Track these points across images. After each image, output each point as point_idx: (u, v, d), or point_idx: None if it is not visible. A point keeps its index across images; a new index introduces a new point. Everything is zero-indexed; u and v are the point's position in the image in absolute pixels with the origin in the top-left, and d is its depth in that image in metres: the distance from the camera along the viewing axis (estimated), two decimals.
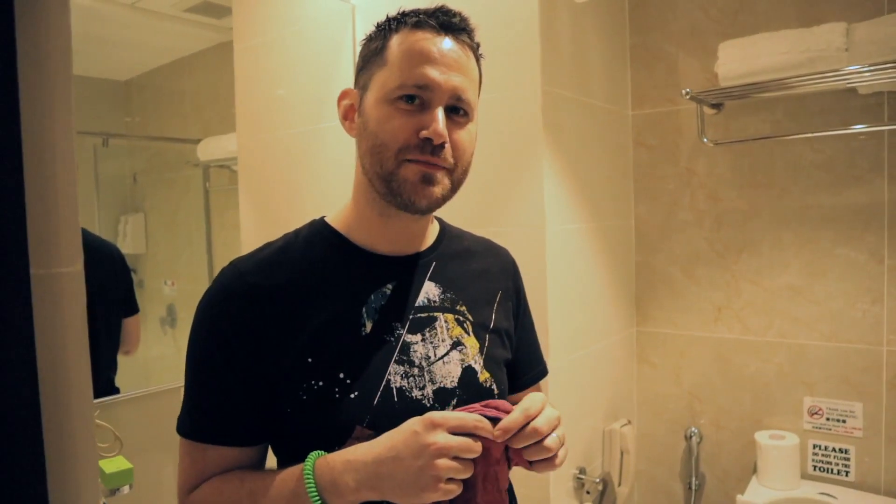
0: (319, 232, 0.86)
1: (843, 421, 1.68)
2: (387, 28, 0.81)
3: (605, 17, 1.86)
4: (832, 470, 1.70)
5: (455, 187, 0.82)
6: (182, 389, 0.81)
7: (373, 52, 0.81)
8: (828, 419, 1.70)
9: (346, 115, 0.85)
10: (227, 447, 0.78)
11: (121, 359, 1.54)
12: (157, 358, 1.68)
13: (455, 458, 0.68)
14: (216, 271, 0.81)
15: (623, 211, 1.97)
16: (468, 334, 0.87)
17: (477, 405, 0.74)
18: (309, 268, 0.82)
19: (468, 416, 0.70)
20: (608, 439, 1.83)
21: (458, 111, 0.79)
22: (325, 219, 0.88)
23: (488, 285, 0.94)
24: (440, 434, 0.68)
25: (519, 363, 0.97)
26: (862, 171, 1.62)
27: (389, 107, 0.77)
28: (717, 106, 1.79)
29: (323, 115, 1.91)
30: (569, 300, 1.65)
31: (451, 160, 0.79)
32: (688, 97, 1.64)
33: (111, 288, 1.60)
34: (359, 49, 0.87)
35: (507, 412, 0.72)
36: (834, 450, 1.70)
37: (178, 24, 1.83)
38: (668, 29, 1.90)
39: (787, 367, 1.76)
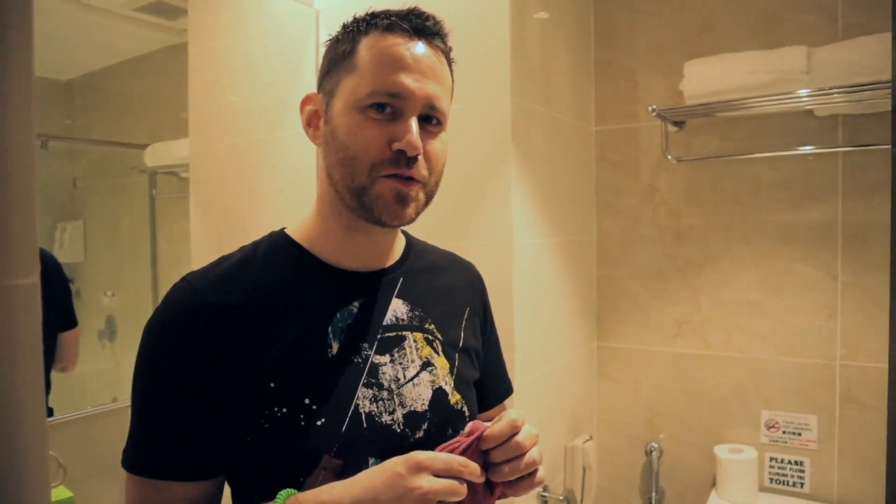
0: (281, 246, 0.80)
1: (799, 434, 1.72)
2: (355, 30, 0.76)
3: (571, 31, 1.86)
4: (788, 482, 1.74)
5: (428, 200, 0.78)
6: (125, 411, 0.74)
7: (340, 55, 0.76)
8: (784, 432, 1.74)
9: (310, 122, 0.79)
10: (182, 482, 0.70)
11: (55, 376, 1.43)
12: (95, 374, 1.58)
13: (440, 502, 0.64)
14: (161, 283, 0.75)
15: (585, 226, 1.97)
16: (438, 354, 0.83)
17: (461, 437, 0.70)
18: (270, 285, 0.76)
19: (454, 459, 0.66)
20: (570, 456, 1.82)
21: (431, 120, 0.75)
22: (286, 231, 0.83)
23: (456, 301, 0.90)
24: (425, 478, 0.63)
25: (485, 382, 0.94)
26: (817, 191, 1.67)
27: (359, 115, 0.72)
28: (679, 124, 1.82)
29: (283, 123, 1.84)
30: (534, 316, 1.63)
31: (425, 172, 0.74)
32: (654, 114, 1.66)
33: (46, 299, 1.48)
34: (322, 53, 0.81)
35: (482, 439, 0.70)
36: (790, 462, 1.73)
37: (126, 24, 1.73)
38: (632, 46, 1.92)
39: (745, 382, 1.79)
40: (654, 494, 1.90)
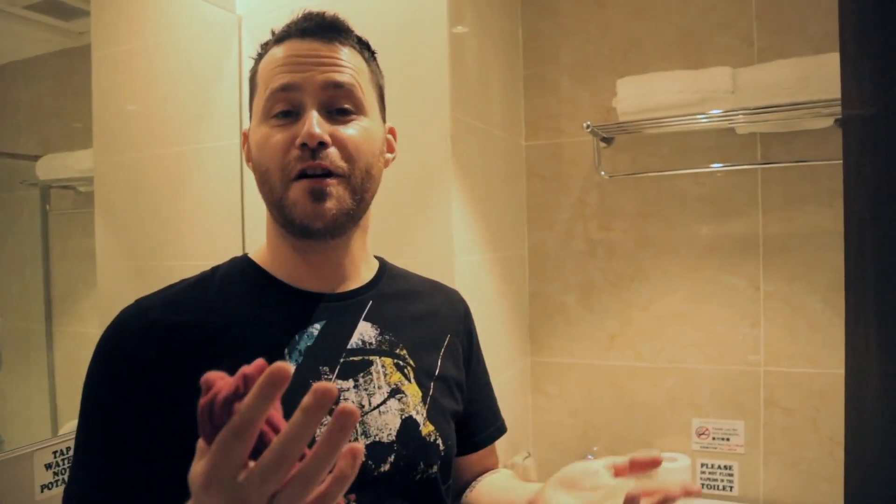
0: (239, 267, 0.79)
1: (727, 439, 1.78)
2: (260, 55, 0.78)
3: (502, 47, 1.86)
4: (718, 486, 1.80)
5: (357, 194, 0.73)
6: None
7: (250, 82, 0.79)
8: (714, 438, 1.80)
9: (248, 157, 0.79)
10: None
11: None
12: None
13: None
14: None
15: (517, 241, 1.97)
16: (409, 381, 0.78)
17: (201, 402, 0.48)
18: (223, 306, 0.73)
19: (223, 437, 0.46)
20: None
21: (341, 109, 0.73)
22: (249, 255, 0.81)
23: (434, 328, 0.86)
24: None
25: (474, 419, 0.89)
26: (740, 205, 1.75)
27: (265, 127, 0.72)
28: (607, 140, 1.86)
29: (202, 135, 1.72)
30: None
31: (341, 163, 0.71)
32: (588, 130, 1.68)
33: None
34: (246, 63, 0.82)
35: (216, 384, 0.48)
36: (719, 467, 1.79)
37: (14, 24, 1.56)
38: (560, 62, 1.95)
39: (676, 391, 1.84)
40: None
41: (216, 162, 1.72)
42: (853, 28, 0.83)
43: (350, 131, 0.73)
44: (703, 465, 1.81)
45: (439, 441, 0.78)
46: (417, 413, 0.77)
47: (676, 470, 1.74)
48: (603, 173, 1.84)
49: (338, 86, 0.72)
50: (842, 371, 1.67)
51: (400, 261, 1.50)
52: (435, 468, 0.77)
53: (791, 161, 1.67)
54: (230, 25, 1.70)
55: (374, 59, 0.81)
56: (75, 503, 0.66)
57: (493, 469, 0.96)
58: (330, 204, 0.70)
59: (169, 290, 0.75)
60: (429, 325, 0.86)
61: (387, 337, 0.79)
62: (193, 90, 1.72)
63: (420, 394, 0.78)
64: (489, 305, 1.71)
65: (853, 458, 0.86)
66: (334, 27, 0.75)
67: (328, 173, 0.70)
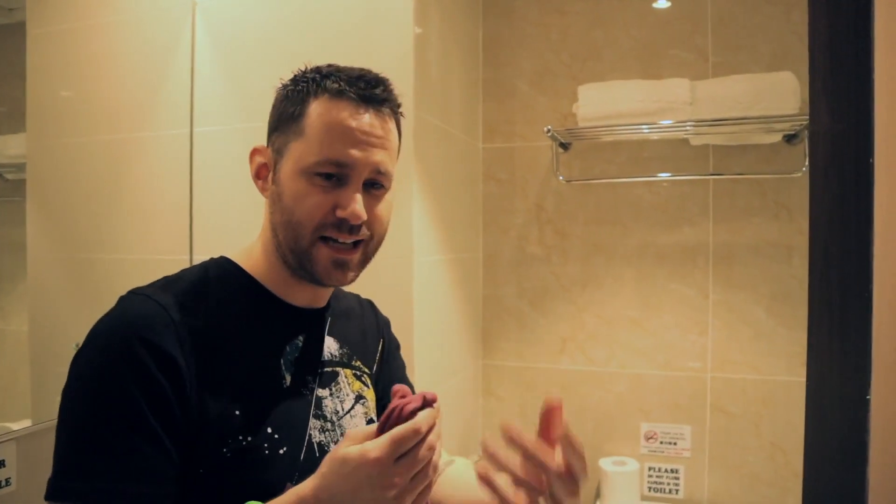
0: (232, 274, 0.81)
1: (674, 443, 1.82)
2: (304, 91, 0.78)
3: (463, 48, 1.85)
4: (665, 489, 1.83)
5: (370, 256, 0.82)
6: None
7: (289, 116, 0.78)
8: (661, 442, 1.83)
9: (259, 174, 0.81)
10: None
11: None
12: None
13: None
14: None
15: (472, 244, 1.96)
16: (368, 387, 0.89)
17: (394, 403, 0.66)
18: (226, 312, 0.76)
19: (403, 434, 0.62)
20: None
21: (376, 184, 0.78)
22: (234, 261, 0.83)
23: (371, 340, 0.97)
24: (385, 470, 0.62)
25: None
26: (691, 214, 1.80)
27: (306, 182, 0.75)
28: (565, 146, 1.87)
29: (148, 123, 1.63)
30: (431, 335, 1.58)
31: (367, 232, 0.78)
32: (549, 134, 1.69)
33: None
34: (200, 51, 0.78)
35: (407, 395, 0.67)
36: (666, 470, 1.83)
37: None
38: (519, 67, 1.95)
39: (626, 396, 1.86)
40: None
41: (163, 152, 1.63)
42: (824, 42, 0.85)
43: (381, 207, 0.79)
44: (650, 468, 1.84)
45: None
46: (376, 415, 0.88)
47: (627, 473, 1.77)
48: (561, 178, 1.85)
49: (381, 171, 0.77)
50: (784, 378, 1.74)
51: None
52: None
53: (741, 174, 1.73)
54: (184, 10, 1.62)
55: (401, 120, 0.85)
56: (69, 493, 0.63)
57: None
58: (351, 274, 0.79)
59: (171, 287, 0.74)
60: (368, 337, 0.96)
61: (345, 350, 0.88)
62: (139, 75, 1.63)
63: (375, 398, 0.90)
64: (444, 307, 1.69)
65: (813, 466, 0.88)
66: (388, 100, 0.79)
67: (355, 243, 0.77)
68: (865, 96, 0.71)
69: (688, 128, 1.61)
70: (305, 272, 0.77)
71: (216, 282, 0.79)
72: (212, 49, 1.61)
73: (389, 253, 1.47)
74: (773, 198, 1.74)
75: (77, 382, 0.67)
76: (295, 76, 0.81)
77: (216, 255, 0.85)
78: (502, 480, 0.67)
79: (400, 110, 0.83)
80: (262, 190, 0.81)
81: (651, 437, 1.84)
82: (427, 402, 0.65)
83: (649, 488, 1.84)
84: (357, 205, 0.74)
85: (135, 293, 0.73)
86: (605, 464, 1.81)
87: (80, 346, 0.70)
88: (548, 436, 0.70)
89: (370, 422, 0.86)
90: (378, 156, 0.76)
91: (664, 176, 1.80)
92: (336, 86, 0.76)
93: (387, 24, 1.47)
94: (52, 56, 1.57)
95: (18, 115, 1.53)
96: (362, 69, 0.80)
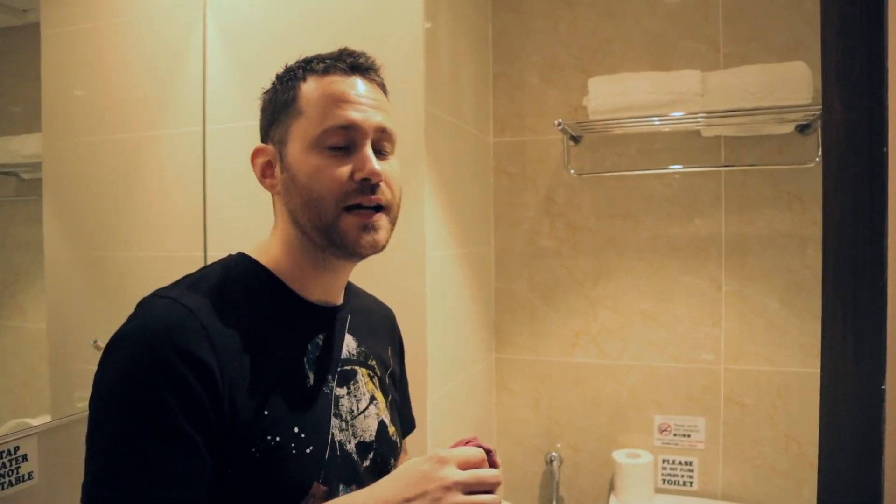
0: (253, 272, 0.81)
1: (688, 435, 1.82)
2: (293, 77, 0.80)
3: (472, 43, 1.85)
4: (679, 482, 1.83)
5: (393, 224, 0.83)
6: None
7: (283, 104, 0.80)
8: (675, 435, 1.83)
9: (264, 173, 0.82)
10: None
11: None
12: None
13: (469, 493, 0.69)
14: None
15: (484, 237, 1.96)
16: (378, 389, 0.89)
17: (463, 440, 0.77)
18: (251, 311, 0.76)
19: (474, 450, 0.72)
20: None
21: (382, 147, 0.80)
22: (253, 258, 0.82)
23: (384, 341, 0.98)
24: (449, 469, 0.68)
25: (402, 417, 1.02)
26: (703, 206, 1.79)
27: (317, 156, 0.76)
28: (575, 139, 1.87)
29: (162, 121, 1.65)
30: (444, 329, 1.59)
31: (389, 196, 0.79)
32: (559, 128, 1.69)
33: None
34: (212, 48, 0.79)
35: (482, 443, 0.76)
36: (680, 463, 1.83)
37: None
38: (529, 61, 1.95)
39: (639, 388, 1.86)
40: (554, 503, 1.92)
41: (177, 150, 1.65)
42: (836, 30, 0.84)
43: (391, 169, 0.80)
44: (664, 460, 1.84)
45: (398, 440, 0.92)
46: (385, 417, 0.88)
47: (641, 466, 1.77)
48: (572, 171, 1.85)
49: (384, 130, 0.79)
50: (798, 369, 1.73)
51: (372, 255, 1.48)
52: (395, 462, 0.91)
53: (753, 165, 1.72)
54: (195, 8, 1.63)
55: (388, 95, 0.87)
56: (111, 501, 0.63)
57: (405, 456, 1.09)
58: (380, 236, 0.78)
59: (195, 288, 0.74)
60: (381, 338, 0.96)
61: (362, 349, 0.88)
62: (152, 74, 1.65)
63: (385, 400, 0.90)
64: (456, 301, 1.70)
65: (828, 457, 0.88)
66: (373, 67, 0.82)
67: (378, 207, 0.78)
68: (879, 85, 0.70)
69: (699, 119, 1.61)
70: (336, 247, 0.77)
71: (238, 281, 0.78)
72: (223, 47, 1.62)
73: (402, 248, 1.48)
74: (786, 188, 1.73)
75: (108, 389, 0.66)
76: (278, 75, 0.83)
77: (231, 252, 0.85)
78: None
79: (385, 84, 0.85)
80: (272, 188, 0.82)
81: (665, 430, 1.84)
82: (486, 451, 0.74)
83: (663, 480, 1.84)
84: (371, 162, 0.76)
85: (159, 296, 0.72)
86: (619, 456, 1.81)
87: (99, 343, 0.71)
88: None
89: (381, 422, 0.86)
90: (378, 116, 0.79)
91: (676, 168, 1.79)
92: (322, 65, 0.79)
93: (396, 19, 1.47)
94: (65, 56, 1.59)
95: (34, 116, 1.55)
96: (343, 47, 0.82)
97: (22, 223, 1.55)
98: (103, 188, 1.62)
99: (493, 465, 0.74)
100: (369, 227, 0.77)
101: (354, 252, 0.78)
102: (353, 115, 0.76)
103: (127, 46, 1.63)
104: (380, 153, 0.79)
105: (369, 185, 0.76)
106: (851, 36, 0.78)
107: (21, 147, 1.54)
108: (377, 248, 0.79)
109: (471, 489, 0.67)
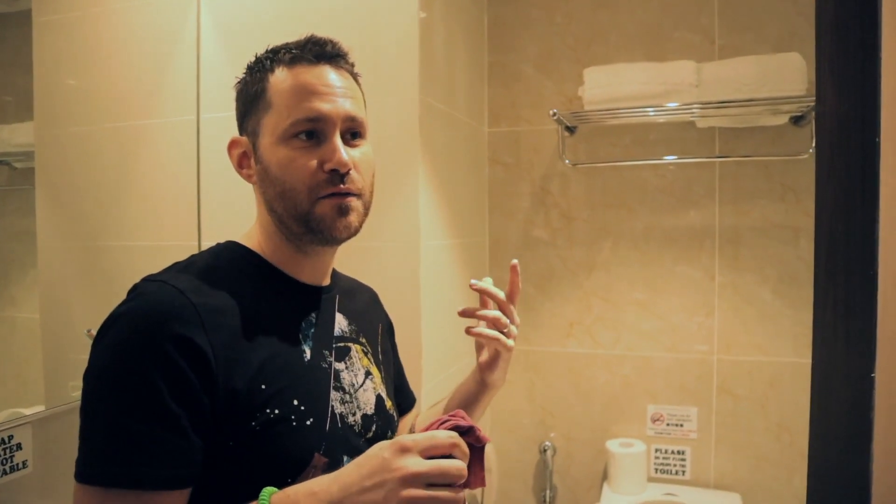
0: (242, 255, 0.83)
1: (681, 425, 1.83)
2: (261, 68, 0.81)
3: (468, 32, 1.84)
4: (671, 471, 1.85)
5: (367, 208, 0.84)
6: None
7: (253, 96, 0.81)
8: (668, 424, 1.84)
9: (241, 164, 0.84)
10: (168, 492, 0.66)
11: None
12: None
13: (433, 485, 0.63)
14: None
15: (478, 227, 1.96)
16: (373, 364, 0.92)
17: (438, 420, 0.71)
18: (242, 291, 0.78)
19: (441, 435, 0.65)
20: None
21: (352, 135, 0.81)
22: (241, 243, 0.85)
23: (373, 320, 1.00)
24: (410, 458, 0.63)
25: (399, 393, 1.05)
26: (698, 197, 1.80)
27: (287, 147, 0.78)
28: (570, 129, 1.87)
29: (156, 109, 1.64)
30: (438, 320, 1.59)
31: (360, 184, 0.80)
32: (554, 118, 1.69)
33: None
34: (206, 37, 0.80)
35: (465, 418, 0.70)
36: (673, 452, 1.84)
37: None
38: (524, 51, 1.94)
39: (632, 378, 1.88)
40: (547, 492, 1.93)
41: (170, 139, 1.64)
42: (830, 22, 0.84)
43: (361, 156, 0.81)
44: (657, 450, 1.86)
45: (394, 413, 0.94)
46: (382, 391, 0.91)
47: (634, 455, 1.78)
48: (567, 161, 1.85)
49: (353, 118, 0.80)
50: (790, 359, 1.74)
51: (366, 245, 1.48)
52: (392, 434, 0.92)
53: (748, 156, 1.72)
54: None
55: (359, 79, 0.88)
56: (103, 476, 0.65)
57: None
58: (352, 218, 0.79)
59: (185, 272, 0.76)
60: (369, 316, 0.98)
61: (353, 327, 0.90)
62: (145, 62, 1.64)
63: (380, 375, 0.93)
64: (450, 291, 1.70)
65: (818, 446, 0.89)
66: (339, 55, 0.82)
67: (350, 193, 0.79)
68: (872, 77, 0.70)
69: (694, 110, 1.61)
70: (313, 233, 0.79)
71: (228, 263, 0.81)
72: (217, 35, 1.61)
73: (396, 238, 1.48)
74: (779, 180, 1.73)
75: (99, 371, 0.68)
76: (249, 65, 0.84)
77: (225, 241, 0.86)
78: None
79: (355, 70, 0.85)
80: (248, 178, 0.83)
81: (658, 419, 1.85)
82: (466, 430, 0.68)
83: (656, 469, 1.86)
84: (340, 153, 0.77)
85: (150, 280, 0.74)
86: (613, 445, 1.82)
87: (92, 333, 0.71)
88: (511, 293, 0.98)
89: (378, 396, 0.88)
90: (346, 104, 0.79)
91: (670, 159, 1.79)
92: (288, 55, 0.80)
93: (392, 8, 1.46)
94: (58, 44, 1.58)
95: (26, 104, 1.53)
96: (310, 34, 0.82)
97: (14, 213, 1.54)
98: (97, 177, 1.61)
99: (477, 441, 0.69)
100: (343, 209, 0.78)
101: (331, 237, 0.79)
102: (320, 105, 0.77)
103: (120, 35, 1.62)
104: (350, 140, 0.80)
105: (338, 175, 0.77)
106: (845, 28, 0.78)
107: (13, 136, 1.53)
108: (351, 231, 0.80)
109: (431, 481, 0.62)
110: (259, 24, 1.57)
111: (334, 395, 0.80)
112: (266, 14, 1.57)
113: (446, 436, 0.65)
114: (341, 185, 0.77)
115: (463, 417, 0.70)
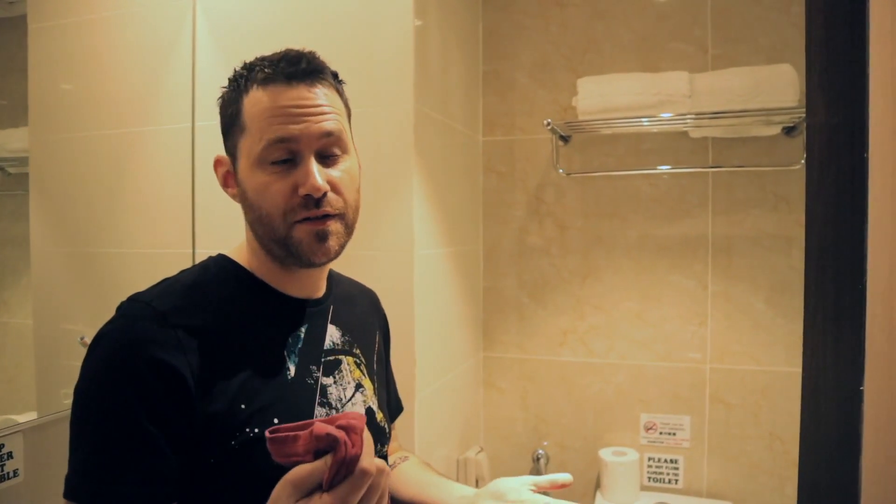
0: (230, 270, 0.84)
1: (674, 434, 1.83)
2: (237, 89, 0.81)
3: (462, 41, 1.85)
4: (664, 479, 1.85)
5: (349, 227, 0.82)
6: None
7: (230, 117, 0.81)
8: (661, 433, 1.85)
9: (226, 183, 0.84)
10: None
11: None
12: None
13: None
14: None
15: (472, 236, 1.97)
16: (365, 376, 0.91)
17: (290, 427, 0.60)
18: (227, 309, 0.79)
19: (302, 472, 0.58)
20: (463, 468, 1.79)
21: (330, 153, 0.79)
22: (231, 258, 0.85)
23: (370, 328, 0.99)
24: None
25: (388, 402, 1.04)
26: (691, 206, 1.81)
27: (261, 173, 0.77)
28: (564, 138, 1.88)
29: (151, 116, 1.64)
30: (431, 328, 1.60)
31: (339, 204, 0.79)
32: (549, 127, 1.69)
33: None
34: (201, 44, 0.82)
35: (357, 419, 0.60)
36: (665, 461, 1.85)
37: None
38: (519, 60, 1.95)
39: (626, 387, 1.88)
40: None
41: (165, 146, 1.64)
42: (819, 36, 0.85)
43: (341, 174, 0.79)
44: (650, 458, 1.86)
45: (386, 425, 0.94)
46: (373, 403, 0.91)
47: (627, 464, 1.78)
48: (561, 171, 1.86)
49: (329, 134, 0.78)
50: (782, 368, 1.75)
51: (360, 253, 1.48)
52: (385, 448, 0.93)
53: (740, 166, 1.73)
54: (184, 3, 1.62)
55: (342, 87, 0.86)
56: (89, 495, 0.67)
57: (394, 442, 1.09)
58: (332, 242, 0.79)
59: (171, 290, 0.77)
60: (366, 325, 0.98)
61: (346, 338, 0.90)
62: (141, 69, 1.64)
63: (372, 387, 0.92)
64: (444, 300, 1.71)
65: (808, 456, 0.89)
66: (315, 70, 0.80)
67: (328, 216, 0.78)
68: (861, 90, 0.71)
69: (687, 120, 1.62)
70: (293, 257, 0.79)
71: (215, 280, 0.81)
72: (212, 42, 1.62)
73: (390, 246, 1.49)
74: (772, 190, 1.75)
75: (83, 390, 0.70)
76: (229, 78, 0.83)
77: (219, 249, 0.87)
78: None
79: (338, 78, 0.84)
80: (233, 197, 0.83)
81: (651, 428, 1.86)
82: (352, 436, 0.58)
83: (649, 478, 1.86)
84: (313, 177, 0.75)
85: (134, 300, 0.75)
86: (605, 454, 1.82)
87: (86, 341, 0.72)
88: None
89: (368, 409, 0.88)
90: (318, 124, 0.77)
91: (664, 168, 1.80)
92: (261, 74, 0.78)
93: (386, 16, 1.47)
94: (53, 50, 1.58)
95: (20, 110, 1.54)
96: (286, 49, 0.81)
97: (7, 218, 1.53)
98: (91, 183, 1.61)
99: (353, 446, 0.58)
100: (321, 236, 0.77)
101: (310, 262, 0.79)
102: (291, 127, 0.76)
103: (115, 41, 1.62)
104: (328, 158, 0.79)
105: (313, 199, 0.76)
106: (834, 44, 0.79)
107: (7, 141, 1.52)
108: (330, 256, 0.80)
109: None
110: (254, 32, 1.58)
111: (319, 412, 0.79)
112: (261, 22, 1.57)
113: (310, 469, 0.58)
114: (316, 210, 0.76)
115: (349, 419, 0.60)
